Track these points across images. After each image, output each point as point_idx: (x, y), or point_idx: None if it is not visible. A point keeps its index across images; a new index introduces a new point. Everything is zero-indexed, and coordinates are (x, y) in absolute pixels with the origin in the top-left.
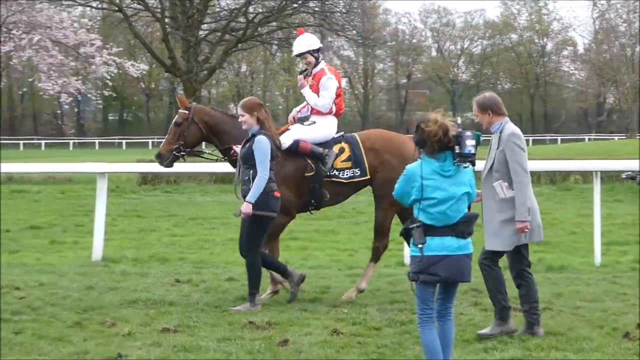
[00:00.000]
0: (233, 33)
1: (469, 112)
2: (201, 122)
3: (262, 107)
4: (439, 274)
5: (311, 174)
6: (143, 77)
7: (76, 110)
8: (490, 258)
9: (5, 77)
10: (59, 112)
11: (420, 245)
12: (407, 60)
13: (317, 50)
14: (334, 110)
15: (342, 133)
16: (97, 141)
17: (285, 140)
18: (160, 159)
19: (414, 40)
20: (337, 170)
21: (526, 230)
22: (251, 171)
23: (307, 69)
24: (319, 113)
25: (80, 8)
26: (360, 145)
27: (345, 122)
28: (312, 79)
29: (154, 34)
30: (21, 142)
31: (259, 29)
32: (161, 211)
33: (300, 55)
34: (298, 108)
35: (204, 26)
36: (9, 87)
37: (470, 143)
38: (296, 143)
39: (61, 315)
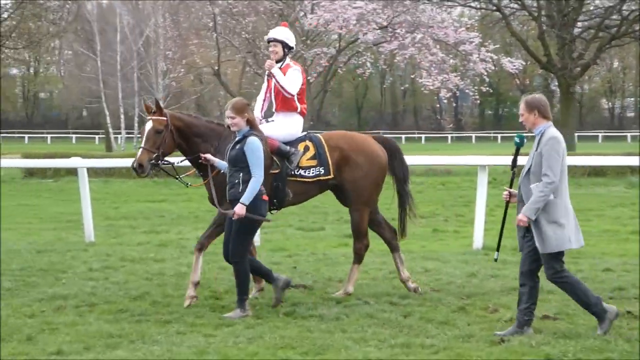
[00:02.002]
0: (607, 30)
1: None
2: (175, 128)
3: (249, 108)
4: None
5: (276, 171)
6: (518, 73)
7: (454, 105)
8: (552, 265)
9: (389, 75)
10: (437, 106)
11: None
12: None
13: (290, 48)
14: (298, 107)
15: (306, 132)
16: (473, 135)
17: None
18: (142, 169)
19: None
20: (303, 168)
21: (519, 225)
22: (241, 174)
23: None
24: (283, 110)
25: (460, 8)
26: (324, 143)
27: None
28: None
29: (529, 32)
30: (402, 136)
31: (633, 25)
32: None
33: (274, 41)
34: (258, 112)
35: (579, 24)
36: (391, 84)
37: None
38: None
39: (446, 300)
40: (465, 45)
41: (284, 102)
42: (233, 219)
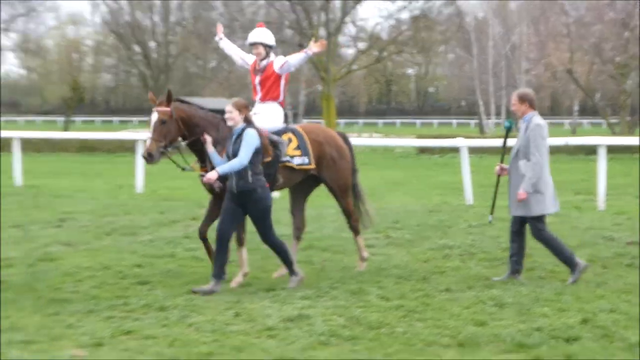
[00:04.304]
0: None
1: None
2: (179, 119)
3: (248, 108)
4: None
5: (268, 160)
6: None
7: None
8: (536, 226)
9: None
10: None
11: None
12: None
13: (270, 47)
14: (281, 96)
15: (286, 125)
16: None
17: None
18: (152, 158)
19: None
20: (290, 157)
21: (521, 199)
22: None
23: (257, 68)
24: (266, 99)
25: None
26: (305, 136)
27: None
28: (263, 72)
29: None
30: None
31: None
32: None
33: (254, 44)
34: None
35: None
36: None
37: None
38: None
39: None
40: None
41: (269, 91)
42: (204, 181)
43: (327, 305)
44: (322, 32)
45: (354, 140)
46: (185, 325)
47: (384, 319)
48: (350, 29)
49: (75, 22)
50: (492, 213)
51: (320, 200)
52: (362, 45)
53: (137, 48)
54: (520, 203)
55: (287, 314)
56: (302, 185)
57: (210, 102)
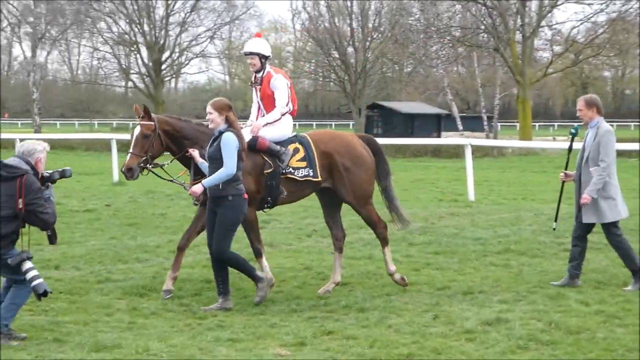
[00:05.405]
0: None
1: None
2: (163, 132)
3: (231, 108)
4: None
5: (269, 171)
6: None
7: None
8: (612, 231)
9: None
10: None
11: None
12: None
13: (266, 58)
14: (291, 108)
15: (295, 133)
16: None
17: (245, 136)
18: (131, 173)
19: None
20: (293, 168)
21: (585, 203)
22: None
23: (254, 81)
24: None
25: None
26: (313, 147)
27: None
28: (261, 83)
29: None
30: None
31: None
32: None
33: (249, 54)
34: (254, 119)
35: None
36: None
37: None
38: (254, 140)
39: None
40: None
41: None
42: (189, 193)
43: (526, 309)
44: (517, 36)
45: (549, 144)
46: (385, 327)
47: (584, 324)
48: (546, 33)
49: (277, 29)
50: (556, 220)
51: (517, 203)
52: (558, 48)
53: (335, 54)
54: (593, 210)
55: (486, 317)
56: (330, 197)
57: (405, 106)
